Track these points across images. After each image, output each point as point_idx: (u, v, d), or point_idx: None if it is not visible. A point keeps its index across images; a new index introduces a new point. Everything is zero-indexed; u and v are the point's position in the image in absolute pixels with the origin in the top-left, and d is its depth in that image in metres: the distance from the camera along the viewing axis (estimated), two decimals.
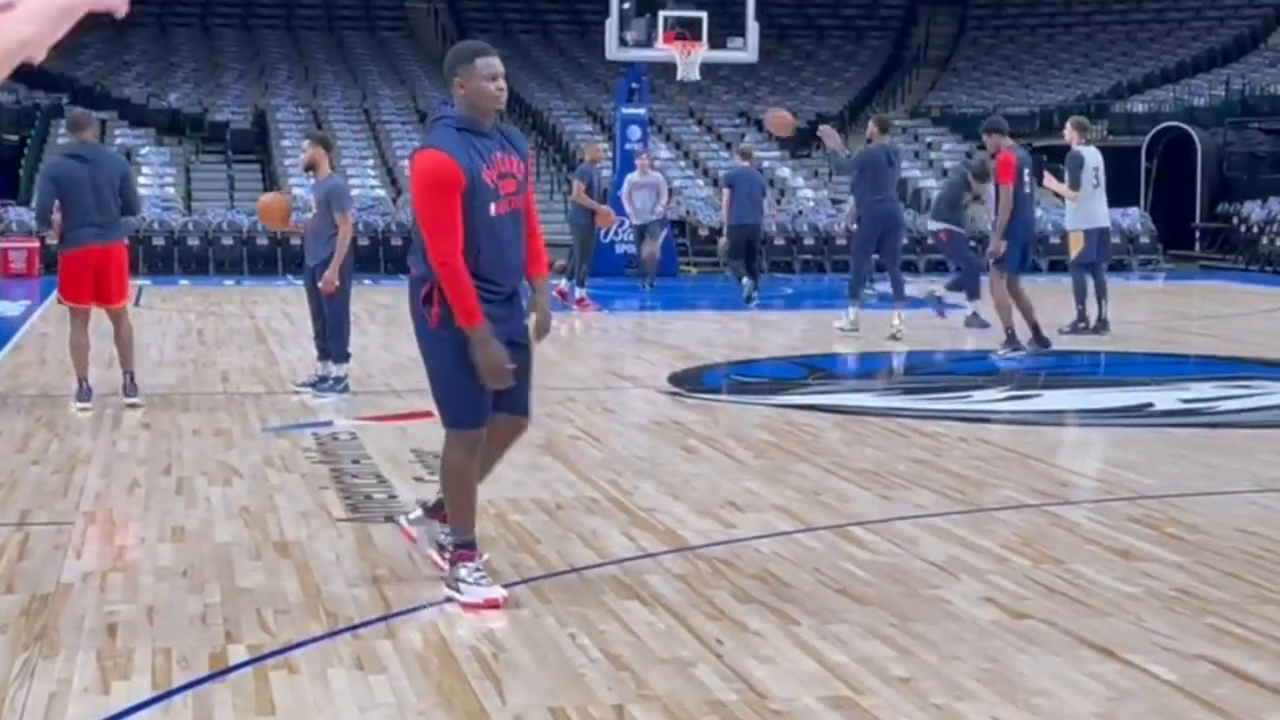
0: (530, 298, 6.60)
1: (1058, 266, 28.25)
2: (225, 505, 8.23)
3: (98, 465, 9.36)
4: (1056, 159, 32.40)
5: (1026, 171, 15.13)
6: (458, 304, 6.17)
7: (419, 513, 6.87)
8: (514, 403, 6.52)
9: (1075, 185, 16.62)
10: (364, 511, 8.11)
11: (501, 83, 6.37)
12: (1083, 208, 16.73)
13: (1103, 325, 16.76)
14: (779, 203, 31.45)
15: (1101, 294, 16.85)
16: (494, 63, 6.40)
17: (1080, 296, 16.81)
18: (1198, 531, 7.63)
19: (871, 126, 17.34)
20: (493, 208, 6.25)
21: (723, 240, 22.07)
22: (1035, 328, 15.12)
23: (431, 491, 8.17)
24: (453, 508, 6.48)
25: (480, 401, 6.35)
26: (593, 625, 6.01)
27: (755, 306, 20.57)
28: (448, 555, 6.55)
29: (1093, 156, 16.84)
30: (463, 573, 6.34)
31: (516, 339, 6.43)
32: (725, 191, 21.45)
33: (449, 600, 6.27)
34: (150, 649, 5.70)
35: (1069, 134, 16.84)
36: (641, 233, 23.58)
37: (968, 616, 6.13)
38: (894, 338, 16.11)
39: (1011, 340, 15.01)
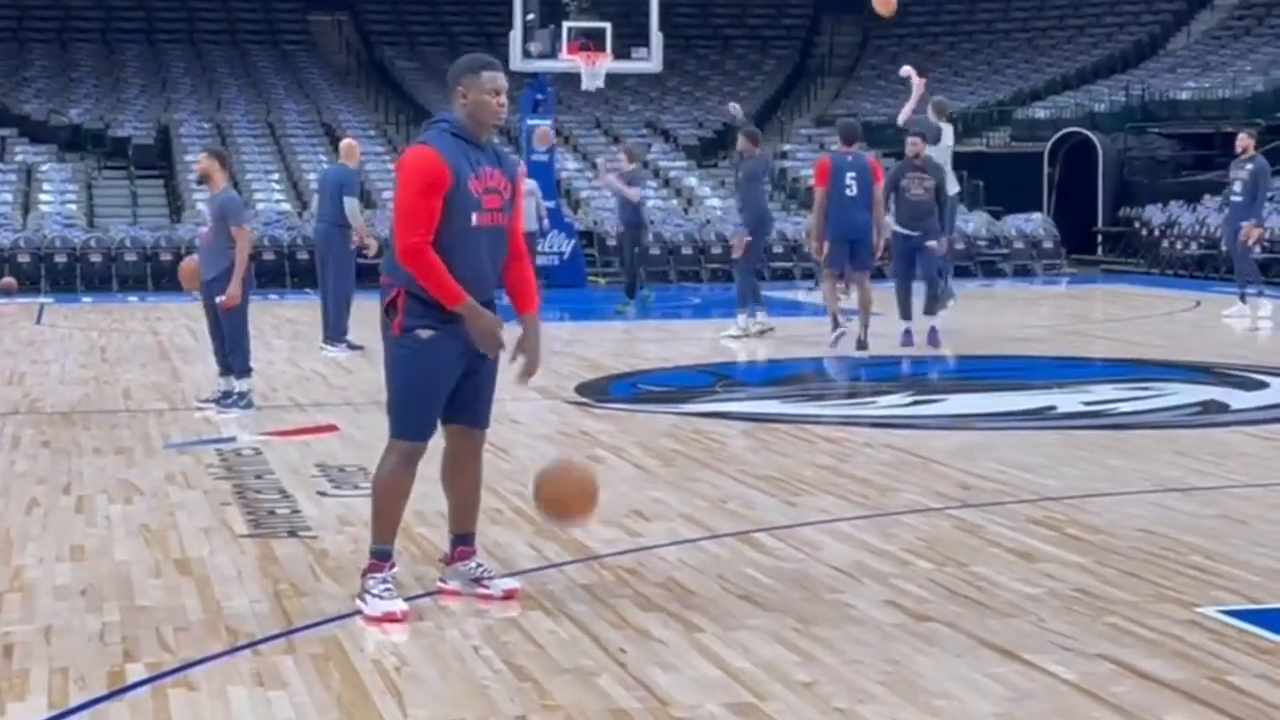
0: (518, 331, 6.49)
1: (959, 272, 28.51)
2: (126, 523, 8.14)
3: None
4: (960, 165, 32.72)
5: (849, 175, 15.69)
6: (438, 290, 6.16)
7: (441, 569, 6.77)
8: (471, 416, 6.54)
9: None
10: (267, 527, 8.04)
11: (504, 99, 6.37)
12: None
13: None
14: (685, 212, 31.52)
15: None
16: (499, 78, 6.40)
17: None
18: (1098, 532, 7.70)
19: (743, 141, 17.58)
20: (474, 218, 6.23)
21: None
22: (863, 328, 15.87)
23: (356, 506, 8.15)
24: (377, 515, 6.45)
25: (428, 417, 6.36)
26: (496, 636, 5.99)
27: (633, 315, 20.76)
28: (485, 578, 6.56)
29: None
30: (370, 583, 6.32)
31: (481, 352, 6.37)
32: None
33: (356, 614, 6.24)
34: (47, 669, 5.64)
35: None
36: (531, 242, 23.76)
37: (870, 620, 6.16)
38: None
39: (835, 323, 15.91)
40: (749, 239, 17.37)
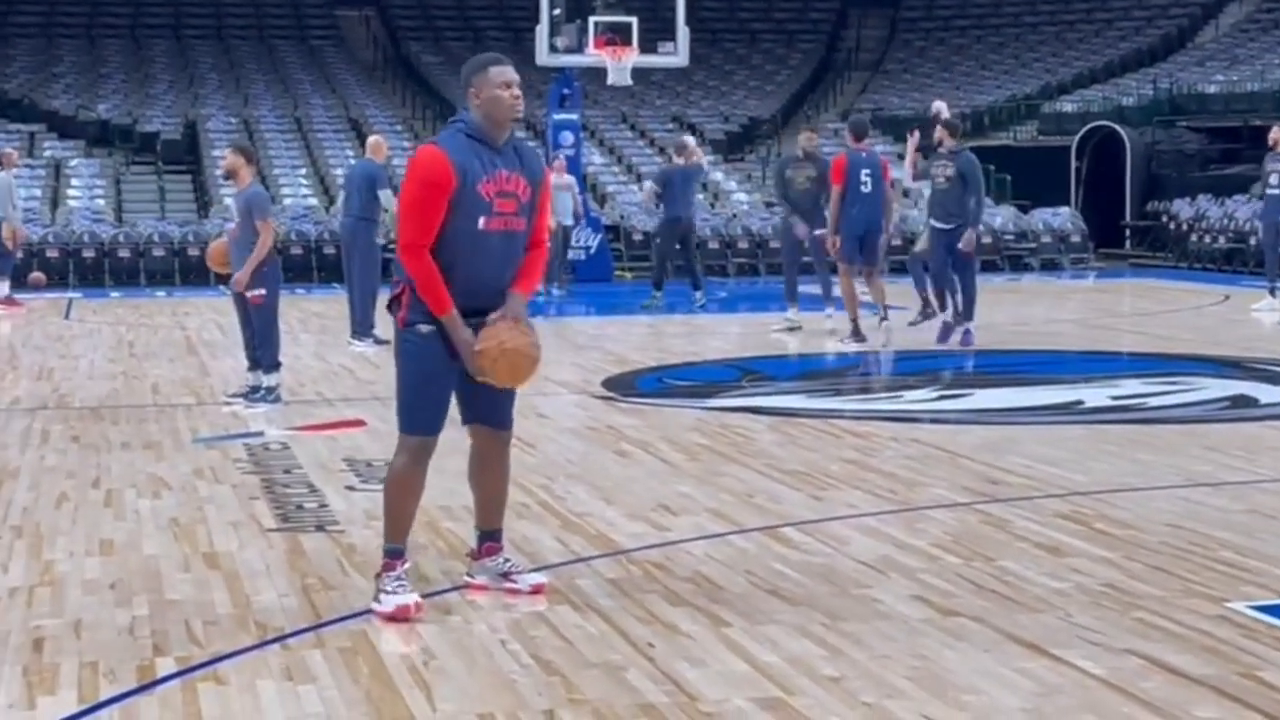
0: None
1: (986, 266, 28.46)
2: (154, 518, 8.17)
3: (25, 479, 9.28)
4: (987, 159, 32.66)
5: (863, 171, 16.00)
6: (426, 294, 6.17)
7: (469, 565, 6.74)
8: (492, 416, 6.51)
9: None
10: (295, 521, 8.06)
11: (517, 91, 6.32)
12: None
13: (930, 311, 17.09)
14: (712, 206, 31.50)
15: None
16: (508, 71, 6.36)
17: (921, 284, 16.94)
18: (1126, 527, 7.69)
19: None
20: (481, 221, 6.18)
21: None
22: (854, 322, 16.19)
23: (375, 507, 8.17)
24: (388, 513, 6.42)
25: (434, 411, 6.32)
26: (523, 631, 6.00)
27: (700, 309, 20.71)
28: (513, 573, 6.56)
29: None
30: (384, 581, 6.30)
31: None
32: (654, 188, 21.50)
33: (372, 610, 6.25)
34: (77, 663, 5.66)
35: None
36: (566, 235, 23.92)
37: (898, 615, 6.16)
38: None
39: (856, 333, 16.07)
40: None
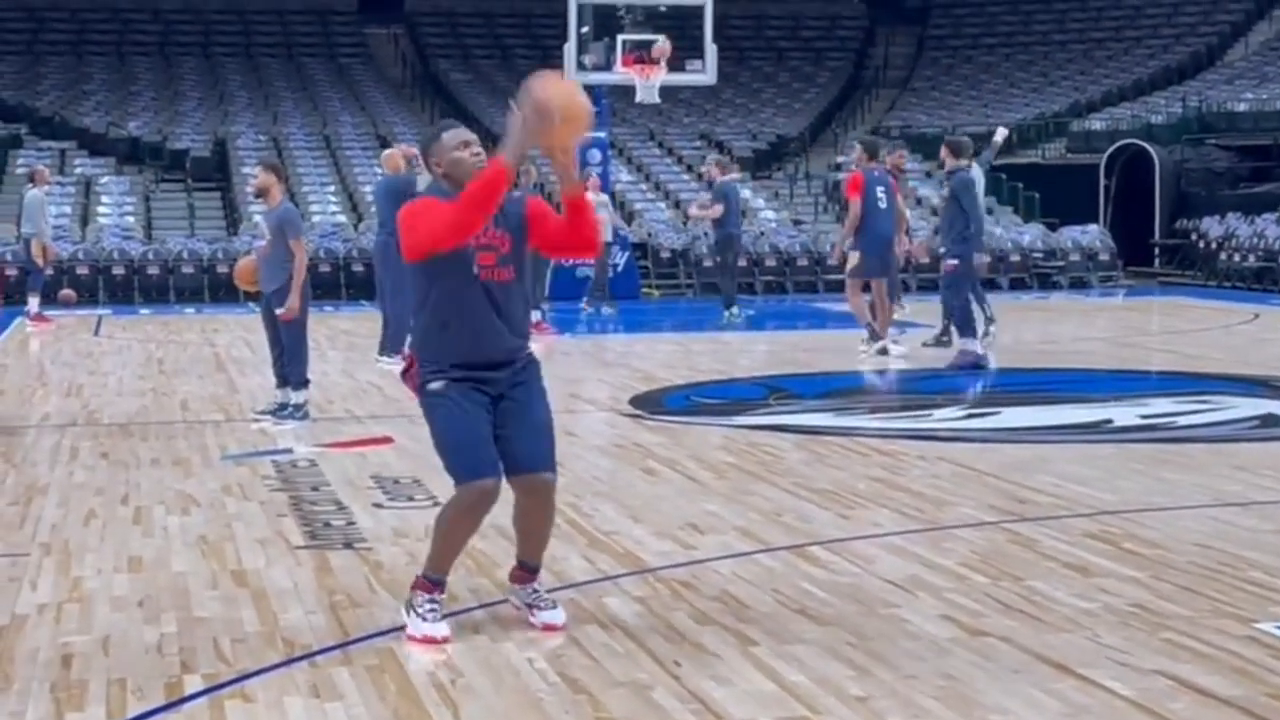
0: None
1: (1015, 284, 28.39)
2: (183, 534, 8.19)
3: (55, 495, 9.31)
4: (1015, 177, 32.66)
5: (879, 189, 16.27)
6: (480, 191, 6.02)
7: (509, 583, 6.63)
8: (527, 460, 6.28)
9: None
10: (322, 539, 8.08)
11: (476, 148, 6.29)
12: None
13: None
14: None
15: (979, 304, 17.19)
16: (462, 132, 6.36)
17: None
18: (1155, 547, 7.66)
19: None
20: (474, 270, 6.14)
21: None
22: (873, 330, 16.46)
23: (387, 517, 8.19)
24: (435, 546, 6.32)
25: (476, 454, 6.16)
26: (550, 649, 6.00)
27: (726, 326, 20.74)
28: (536, 606, 6.43)
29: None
30: (418, 600, 6.25)
31: (509, 394, 6.27)
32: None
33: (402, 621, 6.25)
34: (105, 680, 5.68)
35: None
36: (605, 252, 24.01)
37: (925, 635, 6.14)
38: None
39: (873, 335, 16.36)
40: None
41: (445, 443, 6.25)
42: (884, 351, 16.15)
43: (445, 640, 6.13)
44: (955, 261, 15.65)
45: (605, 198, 24.86)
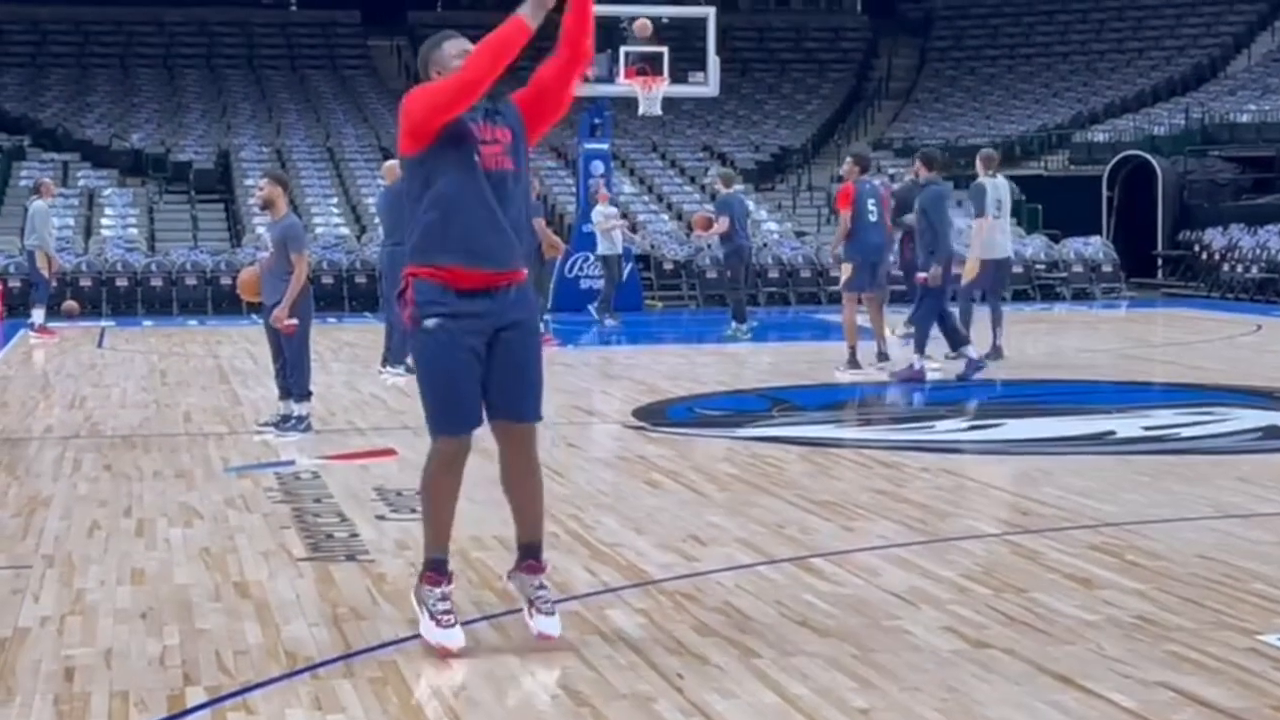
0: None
1: (1017, 296, 28.37)
2: (185, 547, 8.19)
3: (58, 508, 9.31)
4: (1018, 189, 32.66)
5: (870, 201, 16.30)
6: (501, 39, 6.07)
7: (510, 571, 6.56)
8: (508, 406, 6.22)
9: (980, 214, 17.11)
10: (325, 551, 8.07)
11: None
12: (988, 238, 16.98)
13: (996, 352, 16.98)
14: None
15: (996, 322, 17.09)
16: (462, 41, 6.30)
17: (965, 323, 16.89)
18: (1158, 558, 7.65)
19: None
20: (476, 159, 6.06)
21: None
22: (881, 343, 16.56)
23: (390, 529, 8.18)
24: (425, 521, 6.32)
25: (458, 408, 6.12)
26: (553, 661, 5.99)
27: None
28: (538, 603, 6.34)
29: (995, 188, 17.08)
30: (428, 598, 6.19)
31: (504, 327, 6.16)
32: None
33: (415, 635, 6.22)
34: (108, 692, 5.67)
35: (978, 165, 17.28)
36: (613, 265, 23.92)
37: (928, 646, 6.14)
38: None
39: (852, 358, 16.27)
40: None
41: (430, 391, 6.19)
42: (884, 357, 16.14)
43: (460, 653, 6.05)
44: (924, 275, 15.63)
45: (615, 210, 24.88)
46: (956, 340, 15.90)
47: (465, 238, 6.06)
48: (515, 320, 6.21)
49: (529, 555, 6.44)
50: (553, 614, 6.33)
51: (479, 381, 6.16)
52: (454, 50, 6.27)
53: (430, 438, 6.28)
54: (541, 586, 6.42)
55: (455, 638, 6.13)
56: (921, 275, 15.71)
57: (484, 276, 6.11)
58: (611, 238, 24.22)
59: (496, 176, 6.13)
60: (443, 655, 6.07)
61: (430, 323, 6.08)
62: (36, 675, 5.88)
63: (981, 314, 17.33)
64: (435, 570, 6.26)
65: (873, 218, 16.40)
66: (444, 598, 6.22)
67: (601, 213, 24.43)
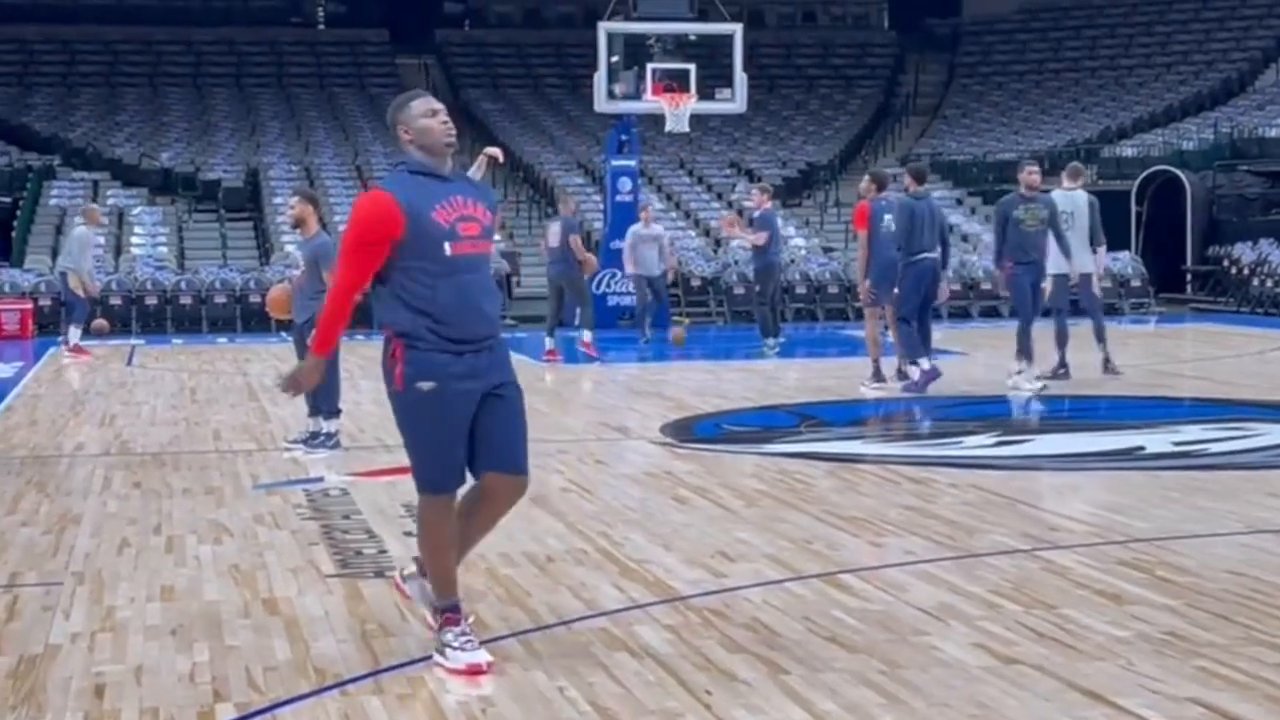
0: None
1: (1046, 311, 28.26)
2: (215, 563, 8.22)
3: (88, 525, 9.35)
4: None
5: (886, 217, 16.28)
6: (324, 329, 6.30)
7: (413, 568, 6.59)
8: (504, 460, 6.29)
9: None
10: (354, 567, 8.09)
11: (445, 117, 6.28)
12: (1054, 254, 16.87)
13: (1064, 370, 16.87)
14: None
15: (1060, 340, 16.93)
16: (430, 100, 6.35)
17: (1061, 341, 16.83)
18: (1188, 574, 7.63)
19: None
20: (448, 247, 6.09)
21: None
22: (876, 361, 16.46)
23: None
24: (430, 571, 6.33)
25: (450, 465, 6.18)
26: (581, 678, 5.99)
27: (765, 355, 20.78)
28: (436, 619, 6.43)
29: (1063, 201, 16.90)
30: (448, 637, 6.20)
31: (495, 391, 6.24)
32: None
33: (436, 665, 6.21)
34: (138, 709, 5.69)
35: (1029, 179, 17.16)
36: (647, 286, 23.75)
37: (957, 663, 6.12)
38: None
39: (877, 374, 16.29)
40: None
41: (424, 449, 6.21)
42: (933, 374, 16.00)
43: (490, 668, 6.07)
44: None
45: (660, 229, 24.75)
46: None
47: (453, 319, 6.13)
48: (507, 379, 6.31)
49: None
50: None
51: (467, 432, 6.22)
52: (421, 109, 6.31)
53: (422, 493, 6.26)
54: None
55: (483, 654, 6.15)
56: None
57: (470, 339, 6.18)
58: (643, 257, 23.87)
59: (473, 261, 6.21)
60: (474, 674, 6.06)
61: (425, 386, 6.10)
62: (67, 692, 5.90)
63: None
64: (454, 612, 6.27)
65: (889, 234, 16.38)
66: (465, 632, 6.23)
67: (633, 233, 24.17)
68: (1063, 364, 16.82)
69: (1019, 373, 15.93)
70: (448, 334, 6.09)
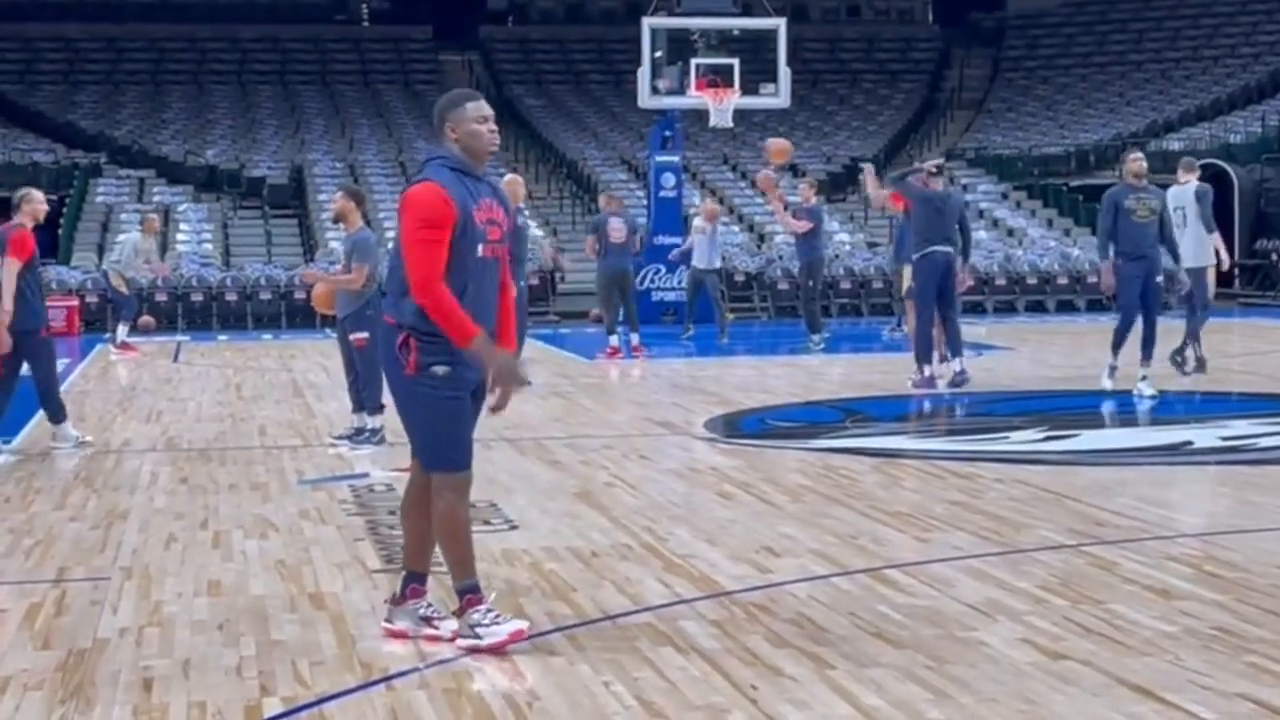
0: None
1: (1092, 306, 28.17)
2: (261, 558, 8.24)
3: (135, 520, 9.39)
4: (1092, 198, 32.46)
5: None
6: (452, 326, 6.17)
7: (389, 610, 6.67)
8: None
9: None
10: (399, 562, 8.07)
11: (493, 125, 6.39)
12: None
13: (1199, 364, 16.80)
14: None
15: (1192, 334, 16.80)
16: (484, 106, 6.43)
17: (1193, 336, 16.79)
18: (1237, 569, 7.57)
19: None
20: (480, 248, 6.25)
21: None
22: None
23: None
24: (449, 554, 6.41)
25: (464, 442, 6.35)
26: (627, 672, 5.99)
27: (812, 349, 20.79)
28: (435, 618, 6.52)
29: (1175, 196, 16.71)
30: (476, 617, 6.30)
31: (476, 390, 6.42)
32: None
33: (472, 651, 6.23)
34: (186, 702, 5.71)
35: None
36: (700, 281, 23.57)
37: (1004, 658, 6.09)
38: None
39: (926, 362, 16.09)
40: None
41: (440, 432, 6.32)
42: (931, 381, 15.84)
43: (528, 630, 6.23)
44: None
45: (708, 226, 24.57)
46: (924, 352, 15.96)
47: (472, 315, 6.22)
48: (481, 381, 6.42)
49: (415, 580, 6.62)
50: (449, 616, 6.54)
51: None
52: (475, 114, 6.39)
53: (438, 475, 6.35)
54: (430, 604, 6.62)
55: (519, 622, 6.30)
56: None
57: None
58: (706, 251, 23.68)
59: (494, 264, 6.39)
60: (515, 639, 6.19)
61: (441, 370, 6.23)
62: (115, 686, 5.93)
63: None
64: (474, 592, 6.38)
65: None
66: (490, 608, 6.35)
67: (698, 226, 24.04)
68: (1198, 358, 16.73)
69: (1143, 379, 14.94)
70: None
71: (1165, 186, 16.02)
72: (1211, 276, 17.16)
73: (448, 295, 6.16)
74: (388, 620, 6.66)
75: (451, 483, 6.35)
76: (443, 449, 6.34)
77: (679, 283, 26.25)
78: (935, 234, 15.61)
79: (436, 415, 6.30)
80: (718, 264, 23.93)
